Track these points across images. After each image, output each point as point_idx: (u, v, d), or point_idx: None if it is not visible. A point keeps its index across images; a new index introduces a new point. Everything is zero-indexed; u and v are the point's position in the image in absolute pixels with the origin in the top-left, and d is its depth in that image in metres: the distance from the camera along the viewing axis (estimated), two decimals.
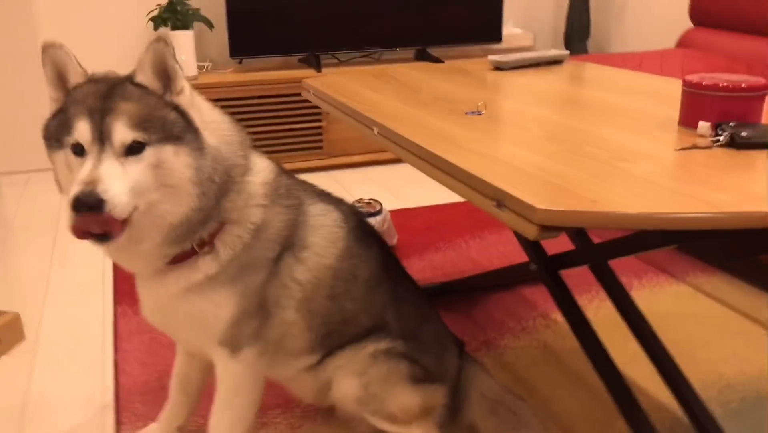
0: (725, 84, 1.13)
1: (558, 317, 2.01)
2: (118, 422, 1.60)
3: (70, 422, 1.62)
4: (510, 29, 4.15)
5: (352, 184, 3.32)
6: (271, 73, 3.46)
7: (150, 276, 1.22)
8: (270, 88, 3.39)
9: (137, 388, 1.73)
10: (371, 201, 2.48)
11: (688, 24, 3.25)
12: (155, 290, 1.23)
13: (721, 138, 1.07)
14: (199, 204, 1.12)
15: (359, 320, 1.38)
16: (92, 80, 1.12)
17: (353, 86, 1.73)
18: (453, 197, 3.06)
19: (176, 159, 1.08)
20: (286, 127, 3.47)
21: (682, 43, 3.14)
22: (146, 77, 1.10)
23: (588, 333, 1.38)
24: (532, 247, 1.51)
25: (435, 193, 3.02)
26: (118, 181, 1.02)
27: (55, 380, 1.79)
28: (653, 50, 2.99)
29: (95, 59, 3.56)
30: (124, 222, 1.05)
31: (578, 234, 1.63)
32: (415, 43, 3.88)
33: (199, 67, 3.58)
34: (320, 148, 3.51)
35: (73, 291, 2.29)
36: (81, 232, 1.03)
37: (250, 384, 1.32)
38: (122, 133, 1.04)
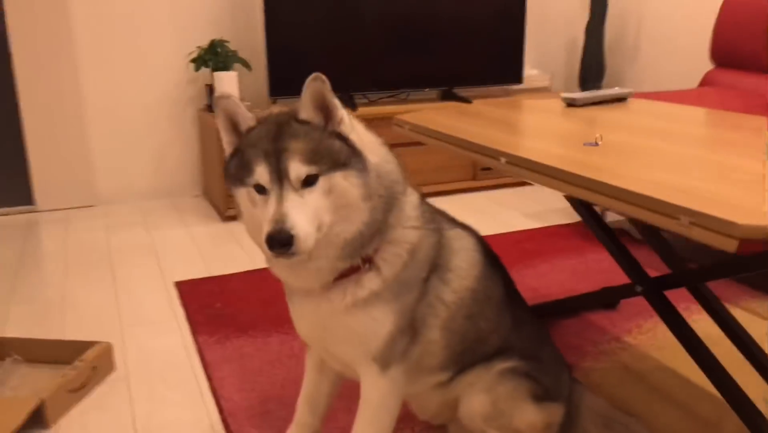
0: None
1: (631, 339, 2.11)
2: None
3: None
4: (528, 70, 4.32)
5: None
6: None
7: (316, 292, 1.29)
8: None
9: (242, 413, 1.78)
10: None
11: (706, 64, 3.44)
12: (318, 306, 1.30)
13: None
14: (370, 218, 1.22)
15: (490, 340, 1.46)
16: (261, 122, 1.22)
17: (450, 122, 1.83)
18: (495, 228, 3.17)
19: (346, 182, 1.17)
20: None
21: (706, 82, 3.32)
22: (308, 113, 1.19)
23: (697, 345, 1.48)
24: (634, 270, 1.60)
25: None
26: (302, 214, 1.12)
27: (158, 407, 1.83)
28: (686, 89, 3.16)
29: (137, 101, 3.67)
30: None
31: (671, 258, 1.73)
32: (441, 84, 4.02)
33: None
34: None
35: (146, 322, 2.33)
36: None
37: (393, 402, 1.38)
38: (297, 169, 1.14)
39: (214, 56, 3.56)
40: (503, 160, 1.45)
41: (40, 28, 3.45)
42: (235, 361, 2.03)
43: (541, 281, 2.59)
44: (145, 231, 3.32)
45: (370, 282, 1.27)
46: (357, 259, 1.25)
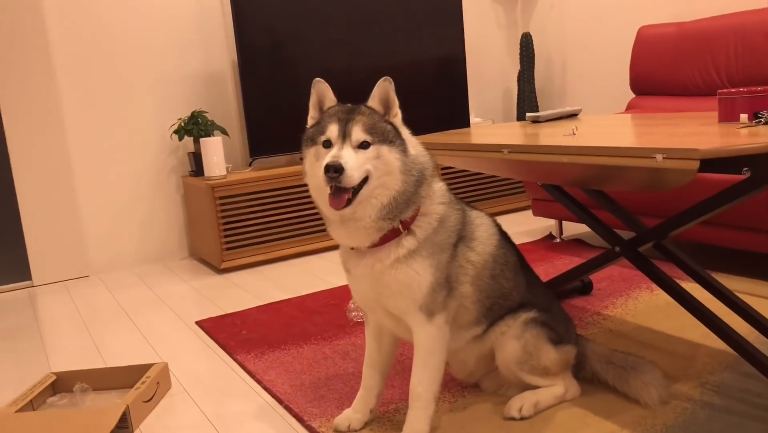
0: (753, 90, 1.72)
1: (609, 312, 2.50)
2: (306, 424, 1.91)
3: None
4: (472, 118, 4.84)
5: None
6: (285, 169, 3.92)
7: (366, 252, 1.65)
8: (284, 181, 3.84)
9: (300, 398, 2.05)
10: None
11: (628, 94, 4.02)
12: (371, 267, 1.65)
13: (762, 119, 1.64)
14: (402, 188, 1.61)
15: (512, 296, 1.83)
16: (339, 104, 1.66)
17: (449, 139, 2.23)
18: None
19: (390, 154, 1.59)
20: (302, 213, 3.89)
21: (630, 108, 3.88)
22: (374, 103, 1.64)
23: (673, 285, 1.88)
24: (610, 234, 2.00)
25: None
26: (353, 160, 1.54)
27: (224, 406, 2.08)
28: (616, 114, 3.69)
29: (124, 172, 3.97)
30: (352, 196, 1.54)
31: (631, 221, 2.14)
32: None
33: None
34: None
35: (182, 352, 2.57)
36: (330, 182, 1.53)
37: (440, 345, 1.71)
38: (358, 133, 1.57)
39: (196, 125, 3.90)
40: (506, 151, 1.85)
41: (31, 110, 3.73)
42: (277, 367, 2.31)
43: None
44: (147, 288, 3.55)
45: (408, 243, 1.64)
46: (396, 222, 1.62)
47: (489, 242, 1.79)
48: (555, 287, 2.51)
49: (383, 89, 1.63)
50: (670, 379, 1.90)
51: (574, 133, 1.91)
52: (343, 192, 1.54)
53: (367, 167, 1.56)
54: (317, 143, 1.61)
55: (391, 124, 1.63)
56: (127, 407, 1.95)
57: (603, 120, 2.42)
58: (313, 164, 1.62)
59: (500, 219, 1.97)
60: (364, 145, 1.56)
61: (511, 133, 2.21)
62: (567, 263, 3.21)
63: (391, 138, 1.60)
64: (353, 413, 1.86)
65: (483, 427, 1.77)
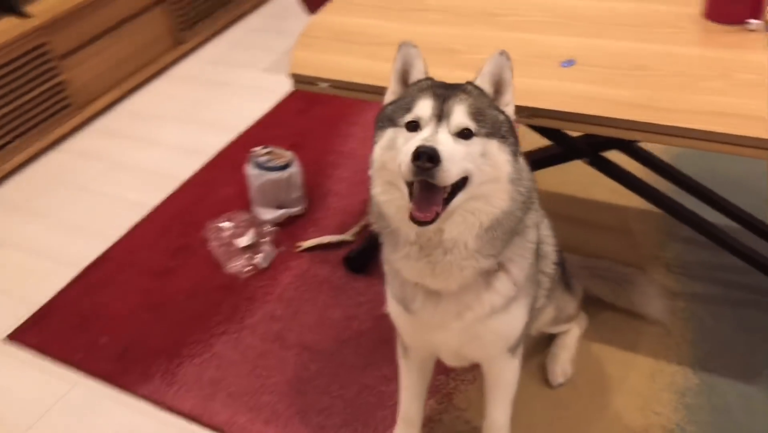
0: None
1: None
2: None
3: None
4: None
5: (130, 131, 2.99)
6: None
7: (448, 296, 1.24)
8: None
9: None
10: (272, 151, 2.36)
11: None
12: (456, 314, 1.26)
13: None
14: (510, 207, 1.16)
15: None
16: (432, 79, 1.22)
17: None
18: None
19: (500, 153, 1.14)
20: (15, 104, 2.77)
21: None
22: (483, 83, 1.20)
23: (626, 175, 1.86)
24: (570, 146, 1.83)
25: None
26: (452, 150, 1.07)
27: None
28: None
29: None
30: (443, 209, 1.10)
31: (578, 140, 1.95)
32: None
33: None
34: (67, 106, 2.94)
35: None
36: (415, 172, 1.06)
37: (518, 373, 1.48)
38: (460, 117, 1.11)
39: None
40: None
41: None
42: (206, 390, 1.83)
43: None
44: None
45: (504, 287, 1.26)
46: (497, 259, 1.21)
47: (552, 242, 1.49)
48: None
49: (497, 65, 1.19)
50: (634, 267, 1.96)
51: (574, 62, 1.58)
52: (435, 194, 1.08)
53: (468, 165, 1.09)
54: (398, 125, 1.15)
55: (504, 114, 1.18)
56: None
57: None
58: (387, 153, 1.15)
59: None
60: (465, 134, 1.11)
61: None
62: None
63: (504, 132, 1.15)
64: None
65: (535, 403, 1.69)
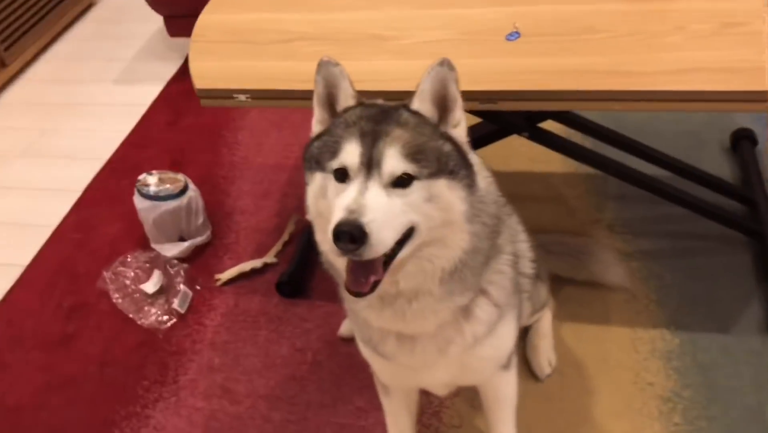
0: None
1: None
2: None
3: None
4: None
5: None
6: None
7: (427, 335, 1.10)
8: None
9: None
10: (160, 177, 2.04)
11: None
12: (438, 351, 1.13)
13: None
14: (471, 245, 1.01)
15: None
16: (363, 104, 1.02)
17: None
18: None
19: (450, 193, 0.96)
20: None
21: None
22: (424, 105, 1.00)
23: (565, 142, 1.79)
24: (509, 123, 1.71)
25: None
26: (384, 214, 0.90)
27: None
28: None
29: None
30: (384, 267, 0.95)
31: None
32: None
33: None
34: None
35: None
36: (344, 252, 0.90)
37: (516, 383, 1.37)
38: (394, 162, 0.93)
39: None
40: None
41: None
42: None
43: None
44: None
45: (485, 313, 1.13)
46: (475, 292, 1.08)
47: (525, 238, 1.35)
48: None
49: (439, 79, 0.97)
50: (582, 236, 1.91)
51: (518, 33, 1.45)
52: (371, 263, 0.93)
53: (410, 218, 0.93)
54: (326, 170, 0.97)
55: (451, 140, 0.99)
56: None
57: None
58: (319, 202, 1.00)
59: None
60: (403, 182, 0.93)
61: None
62: None
63: (452, 167, 0.97)
64: None
65: (527, 401, 1.57)
